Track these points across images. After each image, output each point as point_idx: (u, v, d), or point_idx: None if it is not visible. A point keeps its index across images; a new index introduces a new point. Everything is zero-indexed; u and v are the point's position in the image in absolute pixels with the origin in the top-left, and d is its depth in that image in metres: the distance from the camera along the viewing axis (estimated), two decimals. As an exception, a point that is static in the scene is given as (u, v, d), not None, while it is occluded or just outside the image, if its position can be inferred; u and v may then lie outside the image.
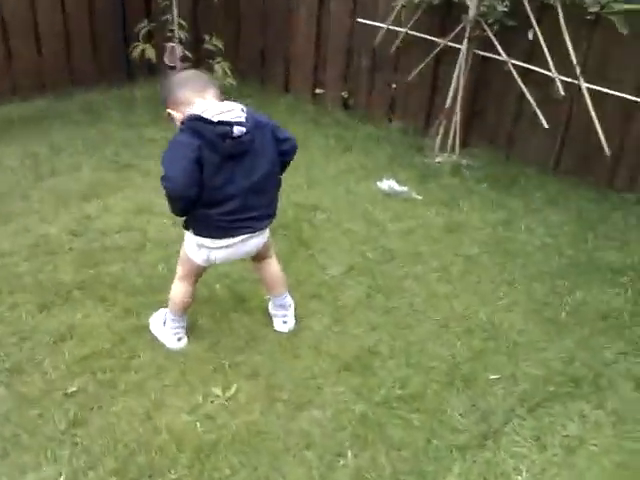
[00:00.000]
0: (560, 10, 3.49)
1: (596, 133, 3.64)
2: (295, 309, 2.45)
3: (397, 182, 3.70)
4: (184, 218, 2.10)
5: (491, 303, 2.69)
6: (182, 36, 4.53)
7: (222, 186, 1.95)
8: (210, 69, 4.59)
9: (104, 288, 2.60)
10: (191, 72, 2.14)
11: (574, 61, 3.57)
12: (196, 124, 1.89)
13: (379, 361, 2.31)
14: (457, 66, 3.97)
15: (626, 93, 3.56)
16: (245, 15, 5.23)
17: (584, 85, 3.59)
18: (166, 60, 4.61)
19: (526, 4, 3.58)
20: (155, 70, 5.01)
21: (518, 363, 2.35)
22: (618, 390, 2.25)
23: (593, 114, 3.57)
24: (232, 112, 1.93)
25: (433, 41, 4.19)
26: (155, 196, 3.36)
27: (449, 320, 2.56)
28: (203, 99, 1.98)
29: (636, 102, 3.55)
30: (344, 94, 4.91)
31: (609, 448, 2.00)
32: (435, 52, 4.15)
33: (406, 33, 4.28)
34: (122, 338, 2.31)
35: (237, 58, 5.12)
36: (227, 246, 2.09)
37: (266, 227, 2.16)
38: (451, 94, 4.06)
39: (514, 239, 3.23)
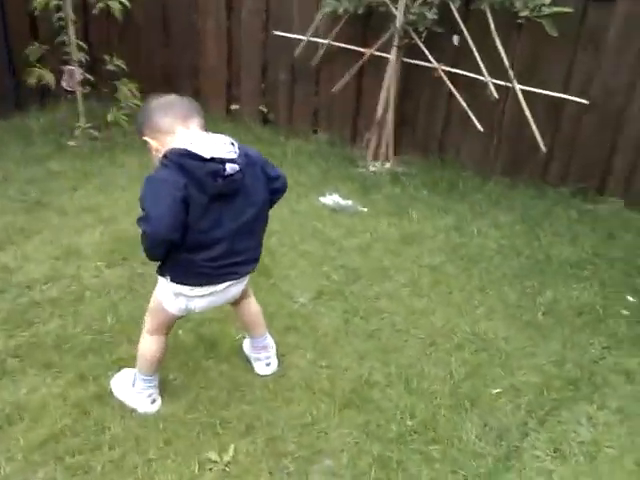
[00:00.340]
0: (490, 15, 3.55)
1: (528, 132, 3.74)
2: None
3: (340, 196, 3.60)
4: (157, 263, 1.85)
5: (469, 313, 2.64)
6: (81, 58, 4.16)
7: (209, 229, 1.73)
8: (113, 91, 4.27)
9: (46, 352, 2.25)
10: (173, 97, 1.84)
11: (506, 64, 3.65)
12: (183, 160, 1.65)
13: (378, 392, 2.17)
14: (387, 75, 3.94)
15: (554, 91, 3.68)
16: (144, 30, 4.91)
17: (518, 87, 3.68)
18: (64, 84, 4.24)
19: (454, 10, 3.62)
20: (48, 96, 4.59)
21: (514, 373, 2.30)
22: (614, 386, 2.27)
23: (528, 114, 3.67)
24: (223, 147, 1.71)
25: (356, 51, 4.14)
26: (79, 237, 3.05)
27: (434, 337, 2.48)
28: (186, 129, 1.75)
29: (564, 99, 3.68)
30: (263, 108, 4.75)
31: (625, 448, 1.99)
32: (361, 62, 4.10)
33: (329, 44, 4.19)
34: (84, 410, 2.00)
35: (140, 78, 4.79)
36: (210, 294, 1.87)
37: (251, 272, 1.95)
38: (381, 103, 4.02)
39: (469, 244, 3.22)
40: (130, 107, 4.26)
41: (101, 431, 1.92)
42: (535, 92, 3.69)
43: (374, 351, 2.38)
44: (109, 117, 4.21)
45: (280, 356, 2.27)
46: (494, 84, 3.70)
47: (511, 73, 3.68)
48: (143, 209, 1.69)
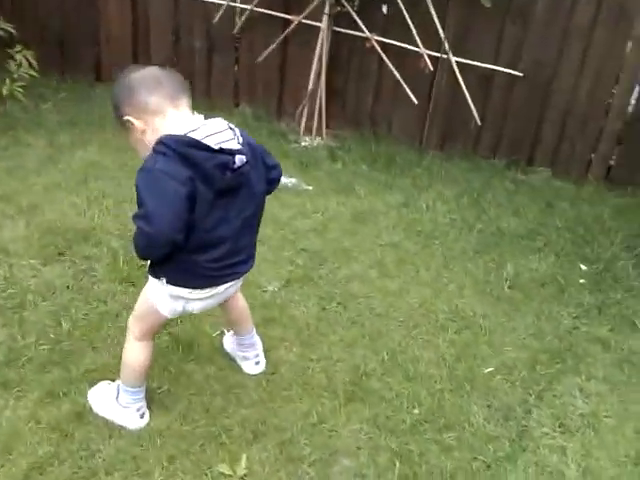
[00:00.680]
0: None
1: (461, 104, 3.81)
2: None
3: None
4: (149, 262, 1.64)
5: (441, 292, 2.66)
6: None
7: (214, 227, 1.55)
8: (4, 59, 3.79)
9: (-3, 369, 1.96)
10: (156, 69, 1.57)
11: (442, 36, 3.66)
12: (188, 150, 1.45)
13: (377, 381, 2.11)
14: (318, 45, 3.82)
15: (485, 63, 3.76)
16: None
17: (453, 59, 3.71)
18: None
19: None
20: None
21: (500, 350, 2.35)
22: (594, 356, 2.38)
23: (464, 87, 3.72)
24: (226, 133, 1.53)
25: (279, 18, 3.97)
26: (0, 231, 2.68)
27: (415, 318, 2.46)
28: (176, 110, 1.54)
29: (493, 71, 3.78)
30: (176, 80, 4.43)
31: (622, 416, 2.10)
32: (289, 30, 3.93)
33: (252, 10, 3.98)
34: (63, 432, 1.76)
35: (32, 45, 4.29)
36: (210, 296, 1.69)
37: (249, 270, 1.79)
38: (313, 75, 3.90)
39: (422, 220, 3.23)
40: (26, 78, 3.79)
41: (91, 455, 1.71)
42: (466, 63, 3.73)
43: (361, 338, 2.31)
44: (4, 90, 3.72)
45: (266, 352, 2.14)
46: (429, 56, 3.71)
47: (446, 45, 3.70)
48: (140, 205, 1.47)
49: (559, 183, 3.83)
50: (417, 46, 3.72)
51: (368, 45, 3.85)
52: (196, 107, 4.17)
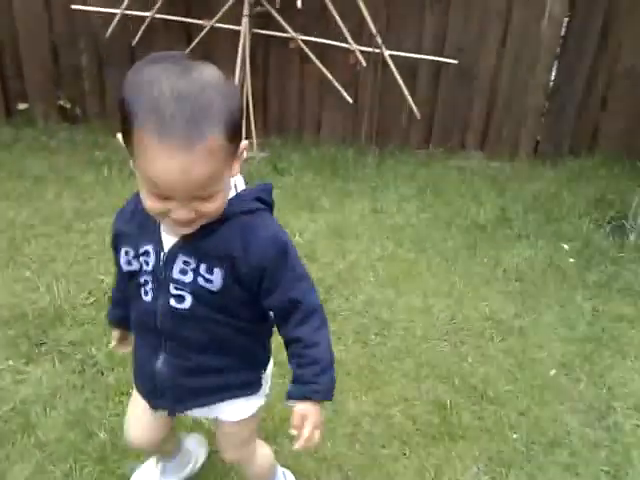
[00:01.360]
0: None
1: (391, 98, 3.82)
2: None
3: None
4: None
5: (463, 299, 2.62)
6: None
7: None
8: None
9: None
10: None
11: (373, 31, 3.60)
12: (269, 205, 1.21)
13: (466, 414, 2.02)
14: (240, 50, 3.57)
15: (408, 52, 3.78)
16: None
17: (386, 52, 3.67)
18: None
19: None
20: None
21: (549, 347, 2.36)
22: (625, 334, 2.48)
23: (399, 79, 3.70)
24: None
25: (184, 24, 3.66)
26: None
27: (456, 334, 2.40)
28: None
29: (417, 61, 3.81)
30: (64, 103, 3.93)
31: None
32: (201, 35, 3.64)
33: (152, 18, 3.62)
34: None
35: None
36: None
37: None
38: (237, 83, 3.64)
39: (401, 225, 3.19)
40: None
41: None
42: (394, 55, 3.72)
43: (419, 368, 2.21)
44: None
45: (341, 404, 1.96)
46: (346, 48, 3.64)
47: (379, 39, 3.65)
48: (302, 277, 1.19)
49: (496, 164, 3.99)
50: (344, 42, 3.64)
51: (292, 45, 3.68)
52: (92, 133, 3.76)
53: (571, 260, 2.97)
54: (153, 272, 1.14)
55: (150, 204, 1.01)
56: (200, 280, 1.11)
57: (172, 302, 1.14)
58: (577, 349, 2.36)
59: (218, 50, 3.73)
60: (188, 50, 3.72)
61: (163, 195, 0.98)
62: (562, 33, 3.86)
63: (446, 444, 1.90)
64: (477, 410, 2.04)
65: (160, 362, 1.20)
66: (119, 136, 1.01)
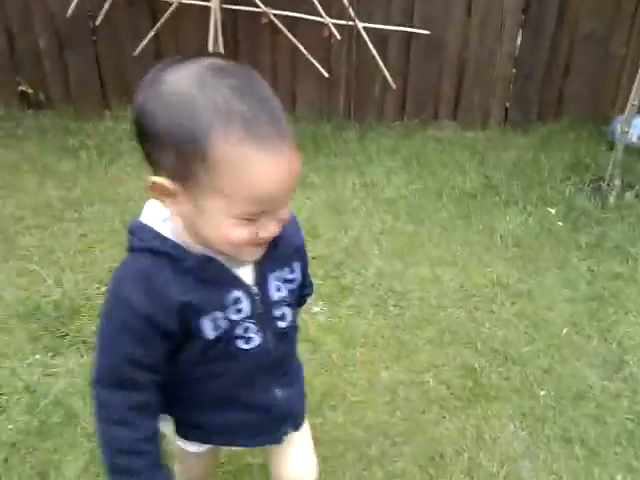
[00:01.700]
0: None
1: (365, 70, 3.86)
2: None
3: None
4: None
5: (467, 266, 2.72)
6: None
7: None
8: None
9: None
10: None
11: (346, 3, 3.61)
12: None
13: (495, 376, 2.13)
14: (212, 26, 3.53)
15: (377, 24, 3.82)
16: None
17: (360, 25, 3.69)
18: None
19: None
20: None
21: (557, 308, 2.49)
22: (623, 291, 2.63)
23: (374, 51, 3.74)
24: None
25: (152, 2, 3.59)
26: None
27: (469, 301, 2.51)
28: None
29: (387, 32, 3.86)
30: (25, 88, 3.79)
31: None
32: (168, 13, 3.56)
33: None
34: None
35: None
36: None
37: None
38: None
39: (394, 197, 3.25)
40: None
41: None
42: (368, 27, 3.76)
43: (441, 335, 2.30)
44: None
45: (374, 374, 2.03)
46: (319, 21, 3.66)
47: (352, 11, 3.68)
48: None
49: (470, 133, 4.11)
50: (317, 16, 3.65)
51: (264, 20, 3.66)
52: (59, 116, 3.65)
53: (560, 223, 3.11)
54: (252, 311, 1.01)
55: (239, 234, 0.88)
56: (288, 285, 1.08)
57: (280, 324, 1.07)
58: (583, 308, 2.50)
59: (187, 27, 3.67)
60: (155, 28, 3.66)
61: (257, 212, 0.87)
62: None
63: (482, 405, 2.00)
64: (503, 371, 2.15)
65: (277, 392, 1.12)
66: (156, 179, 0.87)
